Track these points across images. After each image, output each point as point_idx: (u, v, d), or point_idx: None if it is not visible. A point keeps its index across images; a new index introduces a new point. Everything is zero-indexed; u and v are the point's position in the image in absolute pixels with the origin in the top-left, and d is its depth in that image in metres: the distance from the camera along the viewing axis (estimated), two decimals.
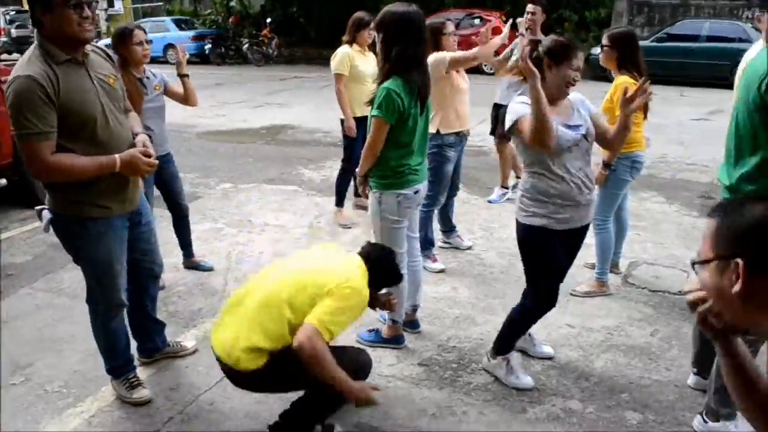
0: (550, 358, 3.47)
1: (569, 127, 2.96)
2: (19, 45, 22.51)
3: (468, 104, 4.55)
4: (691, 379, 3.23)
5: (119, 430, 2.96)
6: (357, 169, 3.32)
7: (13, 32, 22.67)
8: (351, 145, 5.49)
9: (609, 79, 4.63)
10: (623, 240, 4.55)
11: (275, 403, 2.91)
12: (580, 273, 4.48)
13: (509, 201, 6.01)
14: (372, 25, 4.94)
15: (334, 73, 5.40)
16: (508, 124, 3.00)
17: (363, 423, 2.97)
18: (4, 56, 20.82)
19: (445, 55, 4.19)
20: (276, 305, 2.51)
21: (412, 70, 3.09)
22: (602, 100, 4.05)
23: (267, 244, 5.25)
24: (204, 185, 7.03)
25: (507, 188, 6.28)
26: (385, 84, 3.07)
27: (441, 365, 3.43)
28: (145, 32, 4.07)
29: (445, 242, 5.13)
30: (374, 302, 2.89)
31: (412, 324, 3.75)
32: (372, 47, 4.54)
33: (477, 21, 16.85)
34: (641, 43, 4.52)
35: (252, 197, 6.58)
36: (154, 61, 20.96)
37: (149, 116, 4.11)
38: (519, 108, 2.97)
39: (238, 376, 2.61)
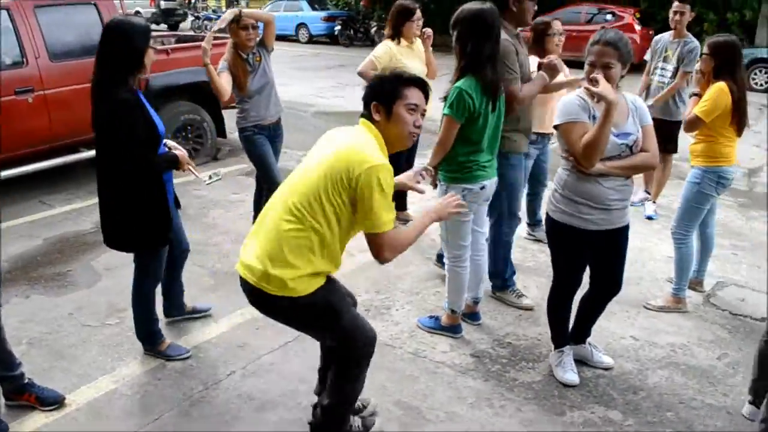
0: (607, 369, 3.47)
1: (617, 135, 2.92)
2: (166, 16, 24.25)
3: (552, 106, 4.56)
4: (746, 408, 3.14)
5: (188, 375, 3.32)
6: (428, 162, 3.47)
7: (162, 4, 24.44)
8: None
9: None
10: (708, 258, 4.40)
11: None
12: (658, 287, 4.40)
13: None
14: (417, 14, 4.89)
15: (357, 71, 5.00)
16: (557, 120, 3.00)
17: (403, 401, 3.14)
18: (153, 26, 22.35)
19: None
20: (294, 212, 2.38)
21: (485, 68, 3.19)
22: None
23: None
24: None
25: (648, 194, 6.08)
26: (458, 83, 3.19)
27: (492, 358, 3.54)
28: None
29: (530, 234, 5.21)
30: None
31: (473, 316, 3.86)
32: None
33: (609, 17, 16.25)
34: None
35: None
36: (285, 39, 21.94)
37: (256, 87, 4.53)
38: (573, 108, 2.95)
39: (260, 298, 2.47)
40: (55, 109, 5.74)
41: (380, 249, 2.42)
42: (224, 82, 4.30)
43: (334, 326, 2.53)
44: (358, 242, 5.09)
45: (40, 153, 5.81)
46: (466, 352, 3.60)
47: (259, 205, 4.84)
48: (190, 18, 25.89)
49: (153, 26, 22.62)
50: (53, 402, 3.04)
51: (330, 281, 2.55)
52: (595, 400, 3.21)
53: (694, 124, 3.84)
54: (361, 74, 4.95)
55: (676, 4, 5.49)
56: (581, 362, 3.48)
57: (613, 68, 2.85)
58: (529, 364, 3.49)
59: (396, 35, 4.91)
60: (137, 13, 23.74)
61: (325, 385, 2.77)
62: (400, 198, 5.55)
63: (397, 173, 5.28)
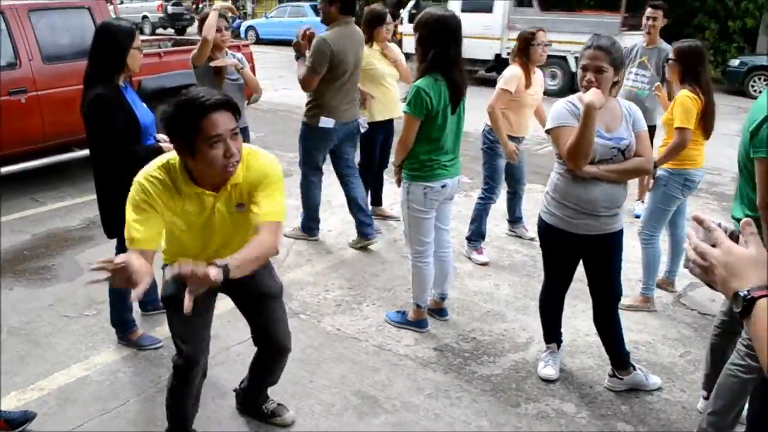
0: (659, 389, 3.37)
1: (609, 138, 2.98)
2: (173, 21, 24.50)
3: (530, 116, 4.78)
4: (701, 404, 3.19)
5: (157, 363, 3.42)
6: (392, 161, 3.57)
7: (170, 9, 24.71)
8: (369, 145, 5.30)
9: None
10: (679, 259, 4.44)
11: (292, 363, 3.24)
12: (629, 287, 4.46)
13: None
14: (389, 19, 5.09)
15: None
16: (548, 125, 3.08)
17: (362, 391, 3.23)
18: (159, 31, 22.73)
19: (513, 77, 4.51)
20: None
21: (445, 71, 3.29)
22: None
23: (336, 223, 5.60)
24: (297, 164, 7.48)
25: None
26: (416, 83, 3.30)
27: (454, 352, 3.62)
28: (226, 19, 4.62)
29: (511, 231, 5.37)
30: None
31: (440, 312, 3.95)
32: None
33: None
34: None
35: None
36: (289, 44, 22.09)
37: (229, 92, 4.56)
38: (562, 113, 3.02)
39: None
40: (48, 110, 5.88)
41: None
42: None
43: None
44: (337, 240, 5.21)
45: (33, 152, 5.95)
46: (430, 345, 3.68)
47: None
48: (197, 23, 26.13)
49: (160, 30, 22.86)
50: (22, 422, 2.92)
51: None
52: (552, 393, 3.29)
53: (682, 138, 3.78)
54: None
55: (649, 9, 5.53)
56: (637, 390, 3.32)
57: (606, 72, 2.89)
58: (490, 359, 3.57)
59: (369, 39, 5.04)
60: (144, 18, 24.11)
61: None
62: (375, 192, 5.66)
63: (372, 169, 5.38)
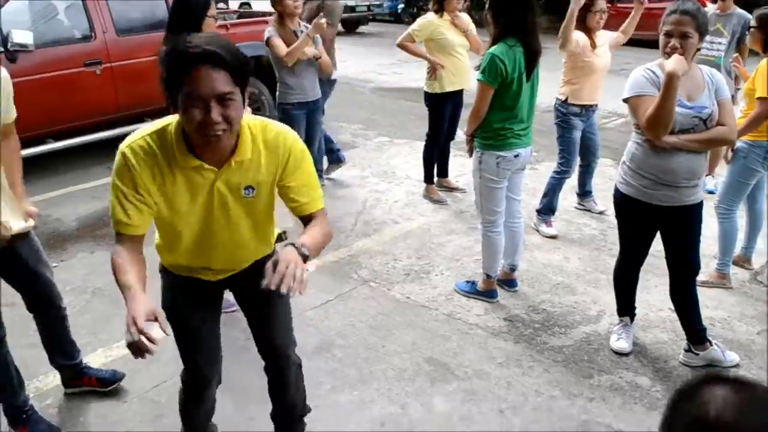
0: (736, 366, 3.29)
1: (690, 107, 2.88)
2: None
3: (601, 81, 4.62)
4: None
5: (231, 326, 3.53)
6: (464, 131, 3.55)
7: None
8: (437, 116, 5.28)
9: None
10: (756, 234, 4.31)
11: (364, 330, 3.30)
12: (704, 263, 4.34)
13: None
14: None
15: (396, 44, 5.16)
16: (625, 93, 2.99)
17: (434, 358, 3.27)
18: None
19: (578, 38, 4.37)
20: None
21: (518, 37, 3.27)
22: None
23: (402, 194, 5.62)
24: (363, 137, 7.54)
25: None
26: (491, 49, 3.26)
27: (525, 323, 3.61)
28: None
29: (580, 204, 5.27)
30: None
31: (510, 282, 3.94)
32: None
33: None
34: None
35: (403, 151, 6.96)
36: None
37: (303, 66, 4.62)
38: (640, 80, 2.93)
39: None
40: (121, 81, 6.06)
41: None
42: (282, 45, 4.53)
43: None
44: (404, 210, 5.24)
45: (108, 122, 6.15)
46: (500, 315, 3.68)
47: None
48: None
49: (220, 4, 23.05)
50: (112, 381, 3.05)
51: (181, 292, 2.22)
52: (625, 366, 3.25)
53: (765, 108, 3.60)
54: (399, 46, 5.15)
55: None
56: (713, 365, 3.24)
57: (691, 38, 2.79)
58: (561, 330, 3.55)
59: (439, 8, 5.01)
60: None
61: None
62: (442, 164, 5.65)
63: (439, 141, 5.37)
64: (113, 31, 6.00)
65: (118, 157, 1.87)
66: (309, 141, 4.83)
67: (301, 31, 4.62)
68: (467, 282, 3.93)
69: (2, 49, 5.18)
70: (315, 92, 4.87)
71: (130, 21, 6.19)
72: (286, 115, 4.76)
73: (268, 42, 4.58)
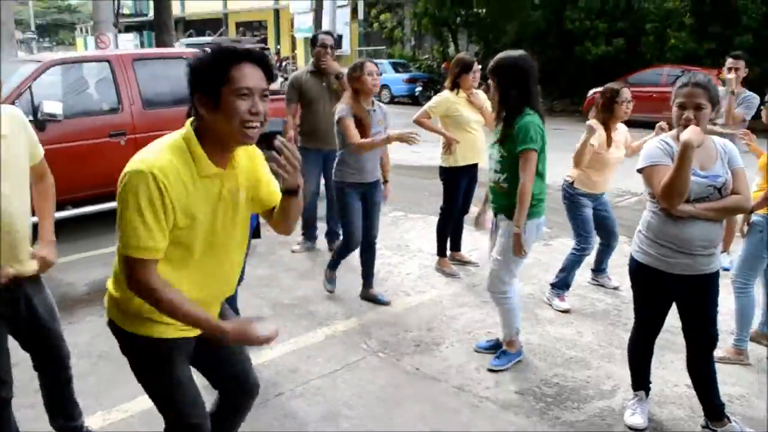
0: None
1: (705, 176, 2.91)
2: None
3: (612, 174, 4.73)
4: None
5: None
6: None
7: None
8: (452, 190, 5.28)
9: None
10: None
11: (370, 401, 3.23)
12: (722, 339, 4.25)
13: None
14: (476, 66, 5.11)
15: (413, 120, 5.22)
16: (640, 164, 3.04)
17: (444, 430, 3.18)
18: None
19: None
20: None
21: (531, 105, 3.44)
22: None
23: (414, 267, 5.62)
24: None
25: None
26: (526, 119, 3.41)
27: (536, 396, 3.52)
28: (375, 65, 4.42)
29: (593, 279, 5.21)
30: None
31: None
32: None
33: None
34: None
35: (417, 225, 7.01)
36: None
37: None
38: (655, 152, 2.98)
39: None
40: None
41: (128, 274, 1.94)
42: (355, 131, 4.33)
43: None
44: (416, 283, 5.22)
45: None
46: (511, 388, 3.60)
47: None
48: (280, 79, 27.31)
49: None
50: None
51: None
52: None
53: None
54: (416, 122, 5.23)
55: (729, 60, 5.47)
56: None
57: (704, 109, 2.86)
58: (574, 404, 3.46)
59: (455, 86, 5.13)
60: None
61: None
62: (455, 238, 5.65)
63: (453, 215, 5.37)
64: (140, 104, 6.24)
65: (141, 180, 1.84)
66: (368, 226, 4.70)
67: (374, 110, 4.51)
68: (496, 358, 3.86)
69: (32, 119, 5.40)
70: (374, 173, 4.62)
71: (158, 95, 6.45)
72: (340, 194, 4.60)
73: (339, 122, 4.38)
